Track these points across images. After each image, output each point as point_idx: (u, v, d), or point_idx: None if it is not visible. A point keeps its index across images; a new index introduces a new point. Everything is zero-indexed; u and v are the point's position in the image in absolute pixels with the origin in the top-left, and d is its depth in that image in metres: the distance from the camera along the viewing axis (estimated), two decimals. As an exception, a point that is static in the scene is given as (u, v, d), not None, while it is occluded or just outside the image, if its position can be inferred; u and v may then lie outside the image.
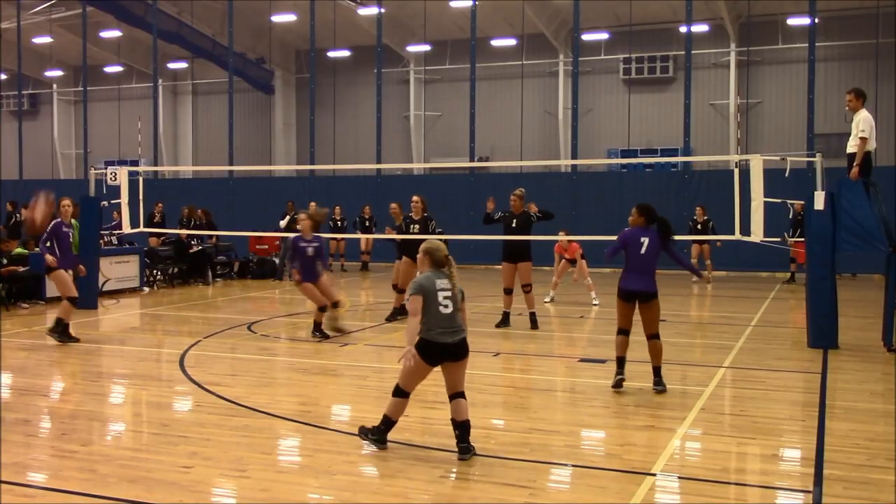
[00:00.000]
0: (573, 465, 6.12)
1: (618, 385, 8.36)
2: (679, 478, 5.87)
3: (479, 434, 6.96)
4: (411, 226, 13.41)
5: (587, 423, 7.49)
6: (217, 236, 20.93)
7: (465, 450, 6.09)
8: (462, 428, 6.16)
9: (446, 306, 6.14)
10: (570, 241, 15.63)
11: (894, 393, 8.34)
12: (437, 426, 7.24)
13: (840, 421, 7.31)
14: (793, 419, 7.56)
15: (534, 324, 12.62)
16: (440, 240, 6.50)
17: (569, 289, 18.54)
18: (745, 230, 12.18)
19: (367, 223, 22.92)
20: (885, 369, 9.58)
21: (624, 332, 8.42)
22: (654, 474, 5.83)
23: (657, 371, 8.32)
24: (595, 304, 15.18)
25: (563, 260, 15.93)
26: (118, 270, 17.90)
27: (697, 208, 20.53)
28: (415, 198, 13.73)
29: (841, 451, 6.36)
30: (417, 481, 5.71)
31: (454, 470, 6.03)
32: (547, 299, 15.58)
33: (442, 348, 6.12)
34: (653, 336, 8.33)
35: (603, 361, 9.91)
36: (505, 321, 12.71)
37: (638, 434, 6.91)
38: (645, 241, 8.31)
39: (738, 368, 9.72)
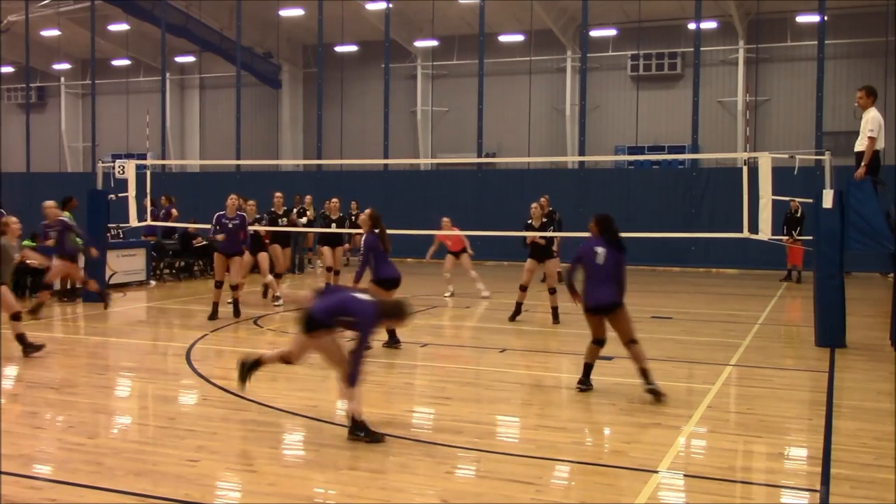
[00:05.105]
0: (579, 462, 6.11)
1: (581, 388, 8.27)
2: (685, 476, 5.86)
3: (485, 430, 6.97)
4: (332, 224, 16.08)
5: (593, 420, 7.48)
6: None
7: None
8: None
9: None
10: None
11: (902, 392, 8.32)
12: (443, 422, 7.24)
13: (847, 420, 7.30)
14: (800, 418, 7.54)
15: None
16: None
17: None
18: (754, 228, 12.15)
19: (354, 219, 23.09)
20: (893, 368, 9.53)
21: (598, 341, 8.23)
22: (660, 472, 5.82)
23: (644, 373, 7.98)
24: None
25: None
26: (125, 264, 17.94)
27: (542, 199, 16.56)
28: (335, 200, 16.61)
29: (848, 450, 6.34)
30: (423, 477, 5.71)
31: (460, 466, 6.04)
32: None
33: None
34: (630, 342, 8.07)
35: (610, 358, 9.89)
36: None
37: (644, 431, 6.89)
38: (601, 251, 8.10)
39: (744, 367, 9.69)
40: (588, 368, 8.30)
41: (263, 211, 15.61)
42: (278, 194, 15.96)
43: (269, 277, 15.07)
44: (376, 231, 10.30)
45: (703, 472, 5.89)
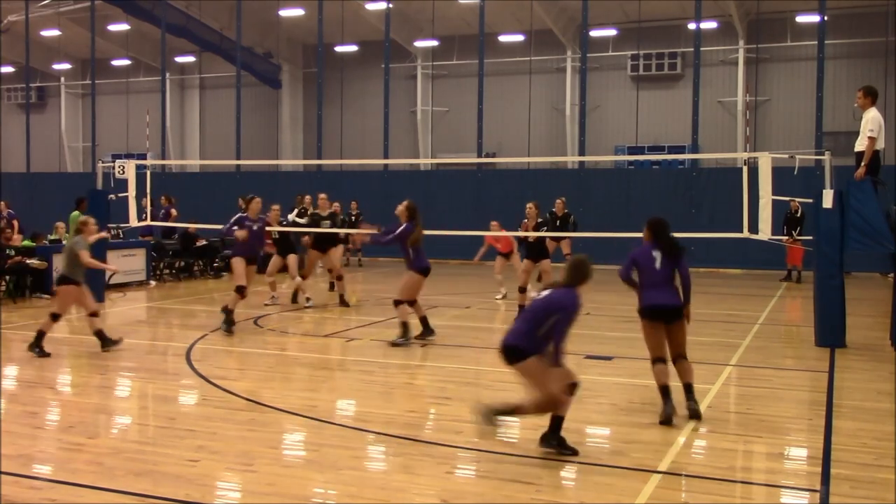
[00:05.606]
0: (579, 462, 6.11)
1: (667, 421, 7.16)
2: (685, 476, 5.85)
3: (485, 430, 6.96)
4: (322, 221, 14.98)
5: (593, 421, 7.47)
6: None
7: None
8: None
9: None
10: None
11: (902, 392, 8.31)
12: (443, 422, 7.24)
13: (847, 420, 7.29)
14: (800, 418, 7.54)
15: None
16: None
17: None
18: (754, 228, 12.15)
19: (354, 219, 23.07)
20: (893, 368, 9.53)
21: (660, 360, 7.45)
22: (660, 472, 5.82)
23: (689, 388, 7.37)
24: None
25: None
26: (125, 264, 17.92)
27: (557, 201, 17.33)
28: (322, 195, 15.52)
29: (848, 450, 6.34)
30: (423, 477, 5.70)
31: (460, 466, 6.04)
32: None
33: None
34: (681, 356, 7.48)
35: (609, 358, 9.90)
36: None
37: (644, 431, 6.89)
38: (658, 255, 7.56)
39: (744, 367, 9.69)
40: (665, 390, 7.27)
41: (286, 212, 15.54)
42: (322, 195, 15.44)
43: (298, 279, 14.90)
44: (413, 222, 10.85)
45: (703, 472, 5.88)
